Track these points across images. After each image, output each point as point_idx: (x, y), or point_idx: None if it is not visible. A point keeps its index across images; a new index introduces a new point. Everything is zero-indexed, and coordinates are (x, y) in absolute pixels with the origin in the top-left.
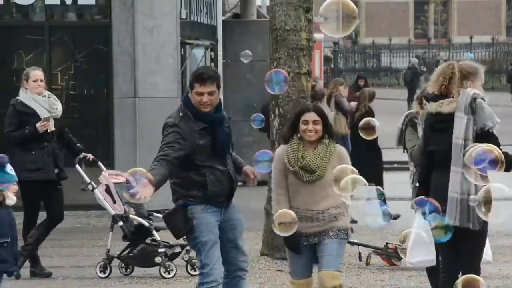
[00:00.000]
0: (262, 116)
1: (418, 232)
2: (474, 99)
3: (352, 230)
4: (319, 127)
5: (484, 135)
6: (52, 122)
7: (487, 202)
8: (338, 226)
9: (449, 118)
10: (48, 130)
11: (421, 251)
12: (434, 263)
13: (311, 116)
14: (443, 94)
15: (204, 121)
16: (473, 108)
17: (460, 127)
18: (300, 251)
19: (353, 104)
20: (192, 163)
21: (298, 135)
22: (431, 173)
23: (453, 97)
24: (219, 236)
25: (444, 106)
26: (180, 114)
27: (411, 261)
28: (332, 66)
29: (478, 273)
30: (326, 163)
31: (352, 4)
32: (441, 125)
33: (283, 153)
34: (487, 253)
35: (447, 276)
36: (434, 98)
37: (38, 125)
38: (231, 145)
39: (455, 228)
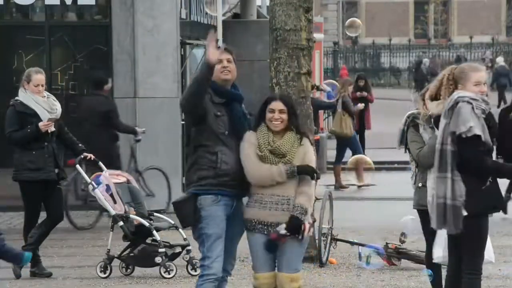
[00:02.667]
0: None
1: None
2: (456, 103)
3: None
4: (285, 116)
5: (462, 141)
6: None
7: None
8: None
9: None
10: (49, 131)
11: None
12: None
13: (277, 104)
14: (435, 97)
15: (222, 96)
16: (453, 112)
17: (439, 131)
18: None
19: (360, 105)
20: (209, 136)
21: (264, 124)
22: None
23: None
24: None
25: (434, 109)
26: None
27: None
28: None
29: (479, 273)
30: (295, 149)
31: None
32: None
33: (253, 137)
34: (489, 253)
35: (452, 272)
36: (431, 100)
37: (41, 124)
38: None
39: None
